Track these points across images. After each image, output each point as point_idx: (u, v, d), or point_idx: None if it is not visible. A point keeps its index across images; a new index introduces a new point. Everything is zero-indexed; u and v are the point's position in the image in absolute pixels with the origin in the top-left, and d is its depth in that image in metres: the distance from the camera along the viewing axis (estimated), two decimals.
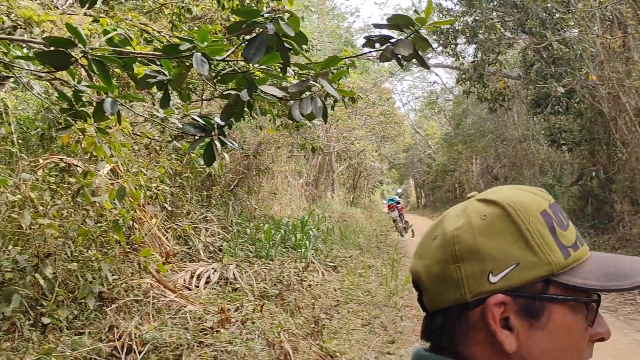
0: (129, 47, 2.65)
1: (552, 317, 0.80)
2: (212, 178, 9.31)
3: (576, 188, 14.71)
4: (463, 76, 14.81)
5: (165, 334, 3.98)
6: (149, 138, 5.98)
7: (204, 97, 5.89)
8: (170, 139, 6.46)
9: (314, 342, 5.45)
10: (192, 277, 6.03)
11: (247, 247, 7.93)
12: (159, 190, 5.57)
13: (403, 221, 17.69)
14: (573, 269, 0.80)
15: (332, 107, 8.57)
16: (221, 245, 7.16)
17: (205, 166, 7.63)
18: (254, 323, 4.92)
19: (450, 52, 14.90)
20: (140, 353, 3.64)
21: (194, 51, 2.09)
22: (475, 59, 14.56)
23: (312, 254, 8.53)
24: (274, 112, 5.95)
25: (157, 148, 6.49)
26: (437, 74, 42.33)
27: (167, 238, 6.12)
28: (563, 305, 0.80)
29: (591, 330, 0.81)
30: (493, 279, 0.79)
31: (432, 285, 0.84)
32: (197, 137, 2.69)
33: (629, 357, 5.80)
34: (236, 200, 10.52)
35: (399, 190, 26.62)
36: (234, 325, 4.70)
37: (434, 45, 20.28)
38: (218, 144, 2.86)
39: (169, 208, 6.54)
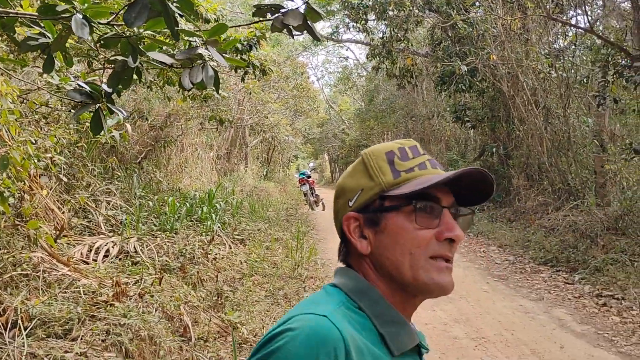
0: (7, 6, 2.50)
1: (388, 223, 1.05)
2: (115, 150, 9.01)
3: (478, 163, 15.36)
4: (373, 52, 15.00)
5: (55, 309, 3.85)
6: (45, 106, 5.70)
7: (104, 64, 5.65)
8: (69, 108, 6.19)
9: (216, 314, 5.45)
10: (90, 250, 5.84)
11: (151, 220, 7.76)
12: (53, 160, 5.33)
13: (314, 195, 17.88)
14: (401, 186, 1.06)
15: (243, 79, 8.49)
16: (123, 219, 6.96)
17: (108, 137, 7.37)
18: (152, 296, 4.84)
19: (361, 28, 15.04)
20: (26, 329, 3.50)
21: (73, 13, 2.00)
22: (384, 36, 14.77)
23: (219, 227, 8.48)
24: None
25: (57, 117, 6.19)
26: (350, 50, 42.64)
27: (62, 211, 5.88)
28: (396, 213, 1.05)
29: (438, 231, 1.04)
30: (350, 203, 1.11)
31: (334, 221, 1.17)
32: (83, 104, 2.59)
33: (514, 321, 6.19)
34: (143, 172, 10.24)
35: (311, 165, 26.82)
36: (131, 299, 4.60)
37: (346, 20, 20.36)
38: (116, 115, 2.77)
39: (65, 180, 6.28)
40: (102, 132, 2.60)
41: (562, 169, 11.64)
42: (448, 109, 15.14)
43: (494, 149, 14.02)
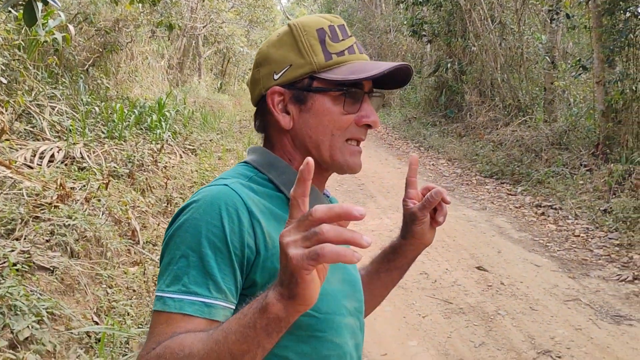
0: None
1: (315, 103, 1.09)
2: (59, 54, 8.64)
3: (433, 79, 15.39)
4: None
5: None
6: None
7: None
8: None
9: (165, 220, 5.48)
10: (34, 155, 5.71)
11: (98, 127, 7.58)
12: None
13: None
14: (332, 69, 1.08)
15: None
16: (69, 125, 6.79)
17: (49, 38, 7.03)
18: (99, 200, 4.82)
19: None
20: None
21: None
22: None
23: (169, 136, 8.37)
24: None
25: None
26: None
27: (1, 112, 5.69)
28: (323, 95, 1.09)
29: (358, 116, 1.10)
30: (276, 76, 1.11)
31: (250, 88, 1.20)
32: None
33: (456, 228, 6.44)
34: (90, 79, 9.91)
35: None
36: (76, 202, 4.57)
37: None
38: (40, 4, 2.64)
39: (5, 81, 6.03)
40: (36, 22, 2.49)
41: (513, 85, 11.79)
42: (405, 22, 14.93)
43: (448, 65, 14.03)
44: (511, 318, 4.23)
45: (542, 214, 7.04)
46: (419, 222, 1.20)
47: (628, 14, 8.04)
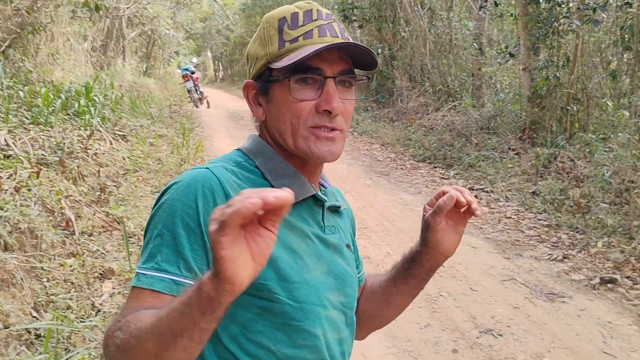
0: None
1: (274, 93, 1.10)
2: None
3: None
4: None
5: None
6: None
7: None
8: None
9: (100, 209, 5.28)
10: None
11: (22, 113, 7.19)
12: None
13: (198, 92, 17.30)
14: (283, 57, 1.07)
15: None
16: None
17: None
18: (30, 190, 4.58)
19: None
20: None
21: None
22: None
23: (98, 121, 8.04)
24: None
25: None
26: None
27: None
28: (279, 84, 1.08)
29: (317, 102, 1.06)
30: (252, 71, 1.15)
31: None
32: None
33: (394, 212, 6.55)
34: (9, 62, 9.36)
35: (194, 60, 25.86)
36: (6, 192, 4.32)
37: None
38: None
39: None
40: None
41: (443, 70, 12.06)
42: (336, 7, 14.93)
43: (379, 50, 14.16)
44: (453, 299, 4.35)
45: (475, 196, 7.24)
46: (432, 230, 1.17)
47: (552, 3, 8.36)
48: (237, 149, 1.19)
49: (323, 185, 1.25)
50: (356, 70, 1.14)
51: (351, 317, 1.21)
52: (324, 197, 1.17)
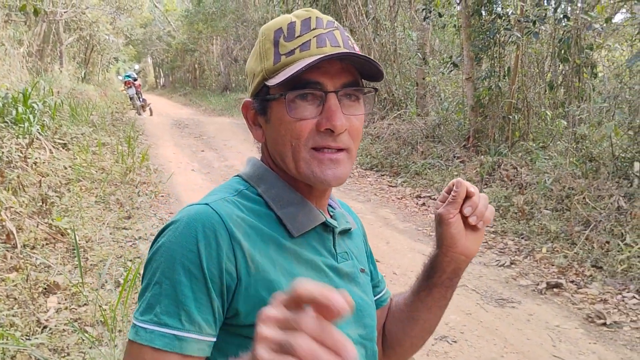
0: None
1: (272, 112, 1.00)
2: None
3: None
4: None
5: None
6: None
7: None
8: None
9: (42, 221, 5.08)
10: None
11: None
12: None
13: (141, 99, 16.95)
14: (279, 73, 0.97)
15: None
16: None
17: None
18: None
19: None
20: None
21: None
22: None
23: (38, 129, 7.75)
24: None
25: None
26: None
27: None
28: (276, 102, 0.98)
29: (318, 120, 0.95)
30: (250, 88, 1.05)
31: None
32: None
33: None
34: None
35: (136, 67, 25.30)
36: None
37: None
38: None
39: None
40: None
41: (387, 79, 12.22)
42: (281, 14, 14.95)
43: None
44: None
45: (423, 204, 7.37)
46: (445, 223, 1.07)
47: (494, 15, 8.61)
48: (237, 175, 1.09)
49: (332, 207, 1.15)
50: (364, 82, 1.03)
51: (372, 349, 1.10)
52: (334, 222, 1.06)
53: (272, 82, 0.96)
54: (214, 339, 0.89)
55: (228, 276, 0.89)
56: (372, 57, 0.96)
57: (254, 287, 0.90)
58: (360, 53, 0.95)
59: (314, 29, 0.98)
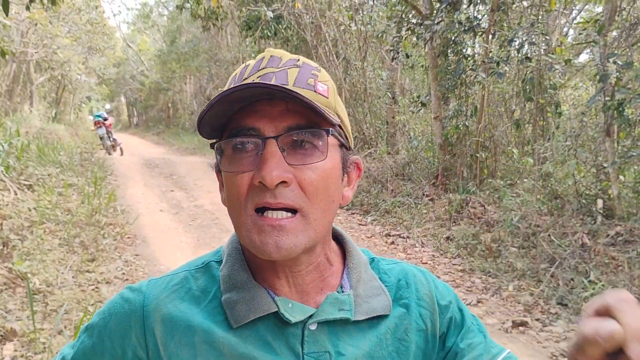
0: None
1: (222, 171, 0.85)
2: None
3: None
4: None
5: None
6: None
7: None
8: None
9: (2, 265, 4.95)
10: None
11: None
12: None
13: (111, 139, 16.87)
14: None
15: (28, 8, 7.57)
16: None
17: None
18: None
19: None
20: None
21: None
22: None
23: (2, 171, 7.62)
24: None
25: None
26: None
27: None
28: (222, 157, 0.83)
29: (254, 174, 0.79)
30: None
31: None
32: None
33: None
34: None
35: (107, 107, 25.29)
36: None
37: None
38: None
39: None
40: None
41: (358, 118, 12.35)
42: (253, 55, 15.09)
43: None
44: None
45: (392, 242, 7.38)
46: None
47: (459, 56, 8.81)
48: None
49: (342, 287, 0.91)
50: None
51: None
52: (291, 316, 0.84)
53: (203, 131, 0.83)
54: None
55: None
56: (304, 96, 0.76)
57: None
58: (280, 86, 0.75)
59: (262, 69, 0.82)
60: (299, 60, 0.85)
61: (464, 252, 6.63)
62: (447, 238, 7.15)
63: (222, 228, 7.89)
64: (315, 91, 0.81)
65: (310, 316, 0.85)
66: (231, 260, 0.90)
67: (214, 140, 0.84)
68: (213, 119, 0.80)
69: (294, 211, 0.79)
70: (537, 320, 4.75)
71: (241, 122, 0.80)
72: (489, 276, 5.87)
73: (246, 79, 0.81)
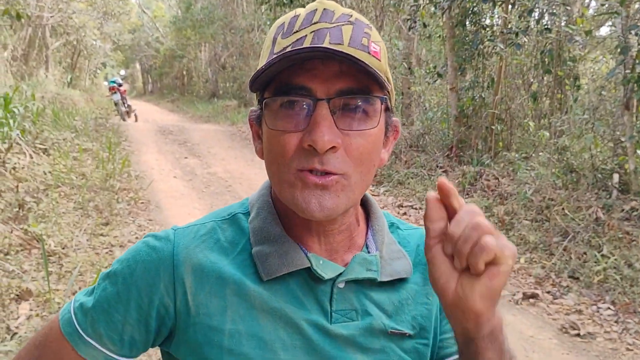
0: None
1: (263, 123, 0.82)
2: None
3: None
4: None
5: None
6: None
7: None
8: None
9: (17, 226, 5.01)
10: None
11: None
12: None
13: (126, 105, 16.88)
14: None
15: None
16: None
17: None
18: None
19: None
20: None
21: None
22: None
23: (18, 134, 7.67)
24: None
25: None
26: None
27: None
28: (267, 111, 0.81)
29: (302, 137, 0.77)
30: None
31: None
32: None
33: None
34: None
35: (122, 72, 25.28)
36: None
37: None
38: None
39: None
40: None
41: None
42: (268, 23, 14.97)
43: None
44: None
45: (404, 213, 7.37)
46: (430, 263, 0.71)
47: (477, 27, 8.67)
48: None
49: (367, 247, 0.91)
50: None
51: None
52: (324, 272, 0.84)
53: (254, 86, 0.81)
54: (119, 357, 0.88)
55: (163, 309, 0.86)
56: (360, 59, 0.74)
57: (192, 330, 0.84)
58: (338, 50, 0.73)
59: (315, 23, 0.78)
60: (352, 15, 0.81)
61: None
62: None
63: (235, 195, 7.92)
64: (369, 52, 0.79)
65: (339, 274, 0.86)
66: (263, 214, 0.89)
67: (262, 96, 0.82)
68: (264, 75, 0.78)
69: (338, 174, 0.78)
70: (548, 292, 4.74)
71: (291, 80, 0.77)
72: None
73: (297, 31, 0.78)
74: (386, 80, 0.80)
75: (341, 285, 0.86)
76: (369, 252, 0.90)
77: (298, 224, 0.87)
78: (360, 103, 0.78)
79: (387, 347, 0.88)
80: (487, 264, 0.66)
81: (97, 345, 0.86)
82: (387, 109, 0.84)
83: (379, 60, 0.80)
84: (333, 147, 0.75)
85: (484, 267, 0.66)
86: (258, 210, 0.90)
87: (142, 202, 7.05)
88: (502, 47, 7.96)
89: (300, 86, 0.77)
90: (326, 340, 0.84)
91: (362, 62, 0.73)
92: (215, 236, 0.89)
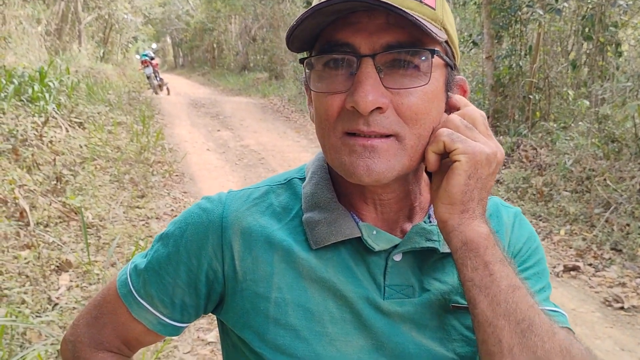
0: None
1: (309, 86, 0.78)
2: None
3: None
4: None
5: None
6: None
7: None
8: None
9: (56, 199, 5.08)
10: None
11: None
12: None
13: (158, 78, 16.95)
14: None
15: None
16: None
17: None
18: None
19: None
20: None
21: None
22: None
23: (54, 108, 7.76)
24: None
25: None
26: None
27: None
28: (312, 72, 0.76)
29: (347, 99, 0.71)
30: None
31: None
32: None
33: None
34: None
35: (154, 46, 25.34)
36: None
37: None
38: None
39: None
40: None
41: None
42: None
43: None
44: None
45: None
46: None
47: None
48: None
49: (430, 217, 0.85)
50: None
51: None
52: (375, 244, 0.78)
53: (294, 44, 0.75)
54: (171, 321, 0.87)
55: (212, 274, 0.83)
56: (419, 12, 0.69)
57: (239, 296, 0.81)
58: (392, 3, 0.65)
59: None
60: None
61: (514, 195, 6.49)
62: (497, 181, 6.99)
63: (268, 168, 7.91)
64: (420, 0, 0.71)
65: (395, 246, 0.80)
66: (316, 178, 0.84)
67: (304, 55, 0.76)
68: (304, 32, 0.71)
69: (388, 135, 0.72)
70: (590, 265, 4.63)
71: (334, 36, 0.71)
72: (540, 220, 5.74)
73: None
74: (442, 31, 0.73)
75: (397, 258, 0.80)
76: (430, 222, 0.83)
77: (352, 191, 0.81)
78: (410, 58, 0.70)
79: (447, 324, 0.80)
80: (444, 163, 0.72)
81: (149, 307, 0.85)
82: (446, 65, 0.76)
83: (433, 8, 0.72)
84: (379, 108, 0.69)
85: (433, 160, 0.73)
86: (312, 175, 0.85)
87: (177, 175, 7.10)
88: (541, 12, 7.70)
89: (343, 42, 0.70)
90: (377, 316, 0.78)
91: (407, 12, 0.65)
92: (268, 200, 0.85)
